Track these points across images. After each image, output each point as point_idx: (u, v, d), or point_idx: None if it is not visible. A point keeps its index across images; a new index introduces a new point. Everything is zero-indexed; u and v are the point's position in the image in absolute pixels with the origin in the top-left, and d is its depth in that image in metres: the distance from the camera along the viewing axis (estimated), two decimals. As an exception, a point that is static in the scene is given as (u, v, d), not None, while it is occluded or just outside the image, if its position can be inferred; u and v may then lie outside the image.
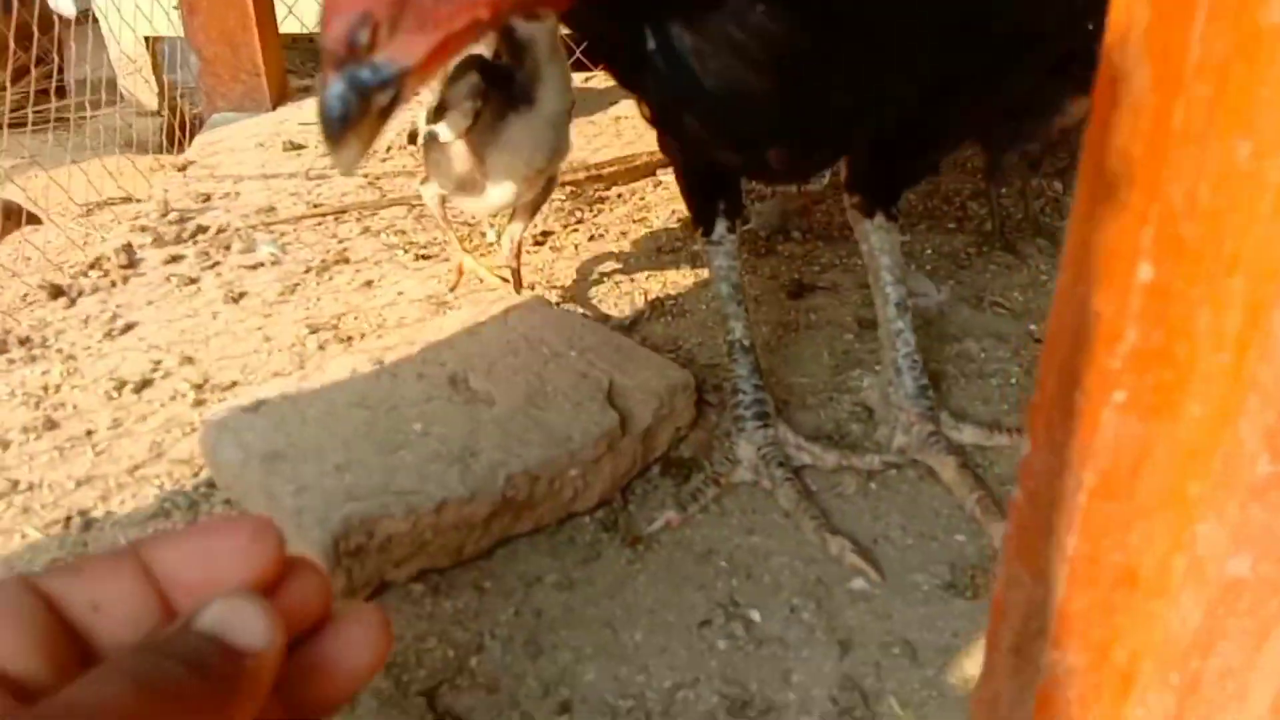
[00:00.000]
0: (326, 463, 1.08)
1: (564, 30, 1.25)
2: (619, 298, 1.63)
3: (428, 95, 1.37)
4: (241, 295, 1.65)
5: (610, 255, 1.79)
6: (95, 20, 4.14)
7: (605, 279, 1.70)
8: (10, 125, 3.62)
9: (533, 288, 1.64)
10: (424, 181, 1.54)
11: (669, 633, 1.02)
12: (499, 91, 1.28)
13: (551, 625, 1.04)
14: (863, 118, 0.84)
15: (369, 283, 1.68)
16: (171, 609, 0.49)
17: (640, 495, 1.20)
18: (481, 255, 1.79)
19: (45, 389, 1.42)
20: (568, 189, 2.06)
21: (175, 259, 1.78)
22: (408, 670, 0.99)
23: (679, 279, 1.68)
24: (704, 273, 1.70)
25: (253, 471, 1.09)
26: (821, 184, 2.07)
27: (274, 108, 2.46)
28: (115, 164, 3.21)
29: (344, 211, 1.94)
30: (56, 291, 1.66)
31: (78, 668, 0.46)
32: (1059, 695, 0.61)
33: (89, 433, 1.33)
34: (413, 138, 1.49)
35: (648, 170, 2.16)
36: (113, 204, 3.34)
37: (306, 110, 2.49)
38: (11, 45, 2.55)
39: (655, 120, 0.98)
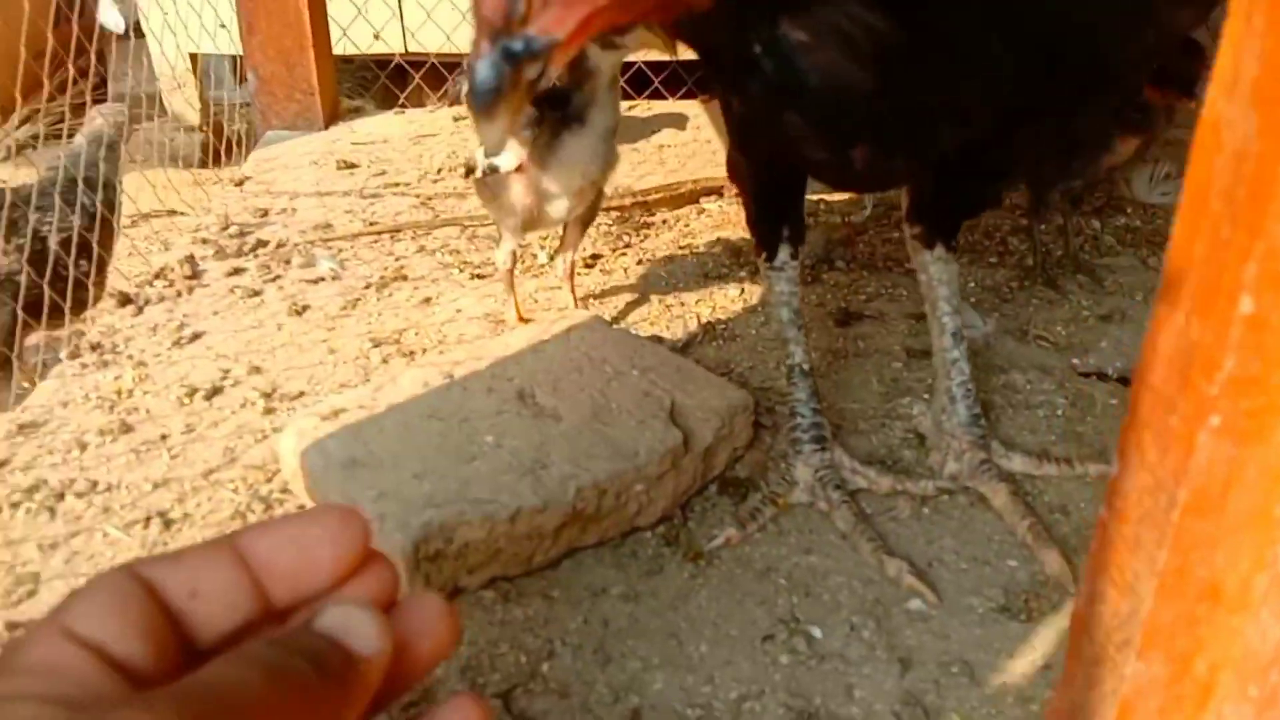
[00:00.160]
0: (405, 471, 1.12)
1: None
2: (670, 320, 1.67)
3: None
4: (304, 308, 1.70)
5: (659, 279, 1.83)
6: (140, 36, 4.24)
7: (656, 302, 1.74)
8: (53, 138, 3.71)
9: (587, 306, 1.69)
10: (500, 243, 1.59)
11: (733, 646, 1.06)
12: (552, 114, 1.37)
13: (619, 634, 1.07)
14: (945, 127, 0.89)
15: (427, 299, 1.73)
16: (265, 595, 0.52)
17: (699, 512, 1.24)
18: (535, 275, 1.84)
19: (118, 393, 1.47)
20: (614, 214, 2.11)
21: (237, 271, 1.83)
22: (482, 674, 1.03)
23: (728, 304, 1.73)
24: (752, 298, 1.74)
25: (333, 477, 1.13)
26: (864, 215, 2.12)
27: (326, 127, 2.52)
28: (161, 177, 3.30)
29: (399, 230, 2.00)
30: (124, 300, 1.71)
31: (177, 652, 0.49)
32: (1141, 705, 0.65)
33: (163, 437, 1.38)
34: (469, 171, 1.55)
35: (691, 197, 2.21)
36: (158, 216, 3.43)
37: (358, 130, 2.56)
38: (61, 57, 2.63)
39: (747, 123, 1.02)
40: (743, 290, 1.77)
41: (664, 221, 2.12)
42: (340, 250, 1.92)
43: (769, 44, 0.81)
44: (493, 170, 1.46)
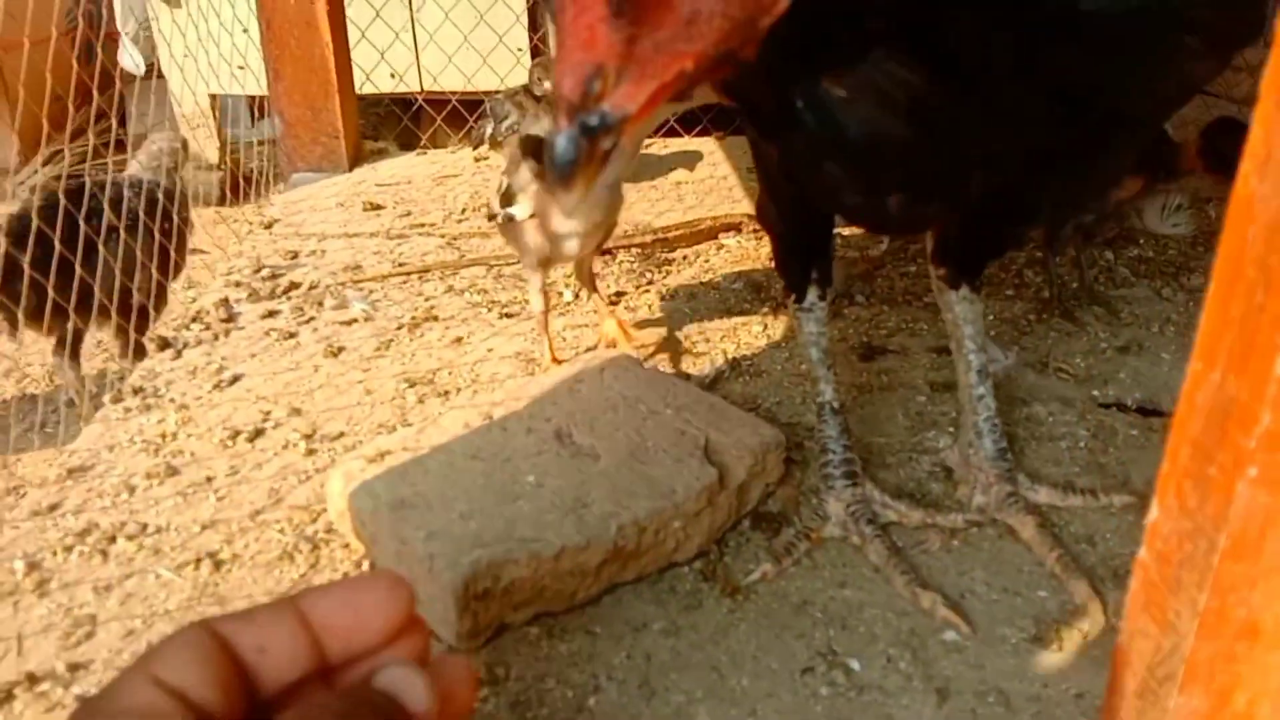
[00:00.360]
0: (452, 511, 1.15)
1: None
2: (696, 357, 1.71)
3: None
4: (340, 350, 1.74)
5: (683, 315, 1.87)
6: (159, 76, 4.32)
7: (681, 339, 1.78)
8: (73, 178, 3.77)
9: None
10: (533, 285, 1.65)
11: (773, 679, 1.09)
12: None
13: (662, 669, 1.10)
14: (976, 174, 0.93)
15: (459, 339, 1.77)
16: (322, 652, 0.58)
17: (734, 547, 1.27)
18: (562, 314, 1.88)
19: (163, 436, 1.51)
20: (635, 252, 2.16)
21: (272, 314, 1.88)
22: (530, 709, 1.06)
23: (752, 340, 1.77)
24: (775, 334, 1.78)
25: (383, 519, 1.16)
26: (881, 249, 2.16)
27: (350, 169, 2.57)
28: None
29: (428, 270, 2.04)
30: (164, 344, 1.75)
31: (244, 701, 0.56)
32: (1184, 736, 0.68)
33: (209, 479, 1.42)
34: (491, 217, 1.64)
35: (710, 234, 2.26)
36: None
37: (382, 171, 2.61)
38: (81, 98, 2.70)
39: (785, 170, 1.07)
40: (766, 326, 1.81)
41: (684, 258, 2.16)
42: (371, 291, 1.96)
43: (810, 99, 0.85)
44: (509, 219, 1.56)
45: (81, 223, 2.13)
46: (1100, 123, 0.91)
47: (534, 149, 1.50)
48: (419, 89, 3.39)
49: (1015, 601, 1.19)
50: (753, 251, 2.17)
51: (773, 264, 1.96)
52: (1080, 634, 1.14)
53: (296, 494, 1.38)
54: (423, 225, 2.30)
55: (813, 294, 1.31)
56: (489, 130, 2.28)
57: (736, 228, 2.26)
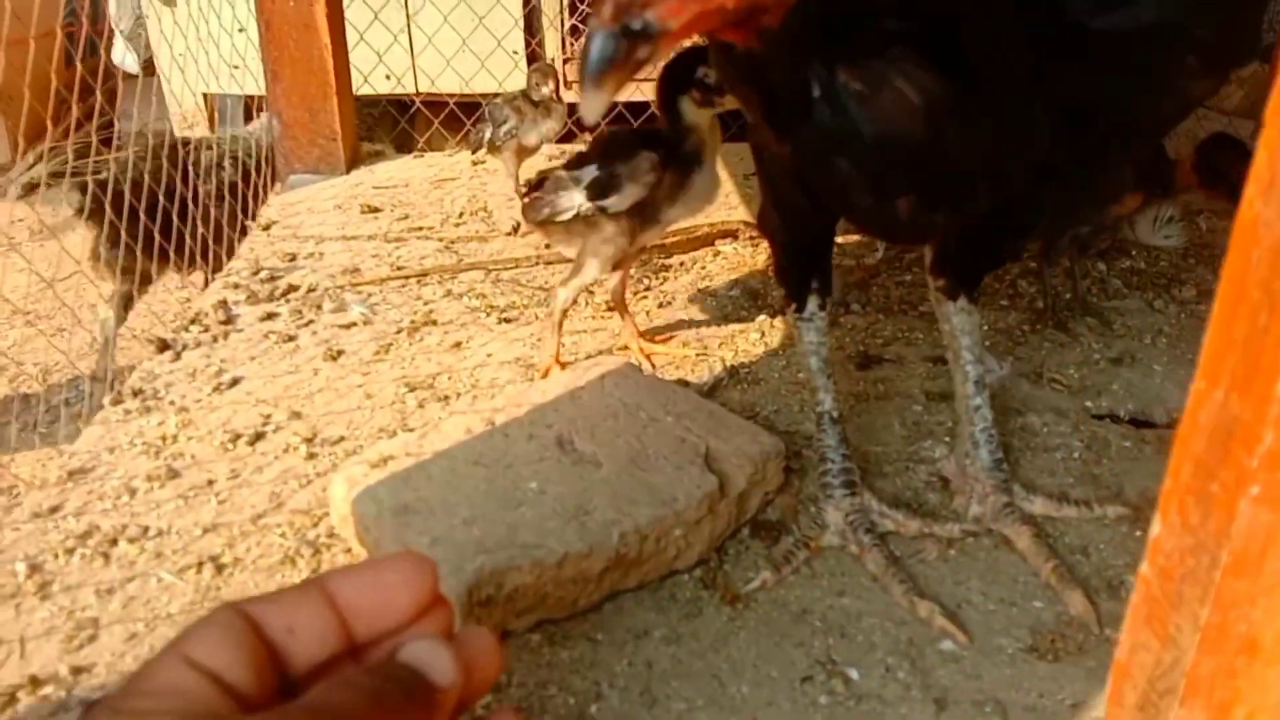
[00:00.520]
0: (455, 517, 1.16)
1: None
2: (695, 364, 1.72)
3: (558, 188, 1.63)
4: (339, 353, 1.74)
5: (681, 322, 1.89)
6: (152, 74, 4.31)
7: (679, 345, 1.79)
8: (68, 175, 3.76)
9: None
10: (564, 283, 1.69)
11: (773, 687, 1.10)
12: (673, 159, 1.58)
13: (663, 676, 1.11)
14: (985, 183, 0.94)
15: (458, 344, 1.78)
16: (349, 631, 0.60)
17: (734, 555, 1.28)
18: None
19: (163, 439, 1.51)
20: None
21: (270, 316, 1.88)
22: (533, 715, 1.06)
23: (750, 347, 1.78)
24: (773, 341, 1.79)
25: (386, 524, 1.17)
26: (877, 258, 2.18)
27: (348, 171, 2.58)
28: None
29: (426, 274, 2.05)
30: (163, 345, 1.75)
31: (275, 680, 0.57)
32: (1184, 748, 0.69)
33: (210, 482, 1.42)
34: (516, 228, 1.67)
35: (707, 240, 2.27)
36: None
37: (379, 174, 2.62)
38: (77, 94, 2.71)
39: (792, 170, 1.08)
40: (763, 334, 1.82)
41: (681, 264, 2.17)
42: (369, 295, 1.97)
43: (826, 90, 0.87)
44: (600, 210, 1.58)
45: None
46: (1101, 137, 0.93)
47: (652, 141, 1.59)
48: (414, 90, 3.39)
49: (1011, 611, 1.20)
50: (749, 259, 2.19)
51: (771, 272, 1.98)
52: (1076, 644, 1.15)
53: (298, 498, 1.38)
54: (420, 228, 2.30)
55: (813, 303, 1.33)
56: (487, 134, 2.28)
57: (733, 234, 2.27)
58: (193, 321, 1.85)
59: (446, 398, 1.61)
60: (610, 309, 1.94)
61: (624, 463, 1.27)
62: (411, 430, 1.52)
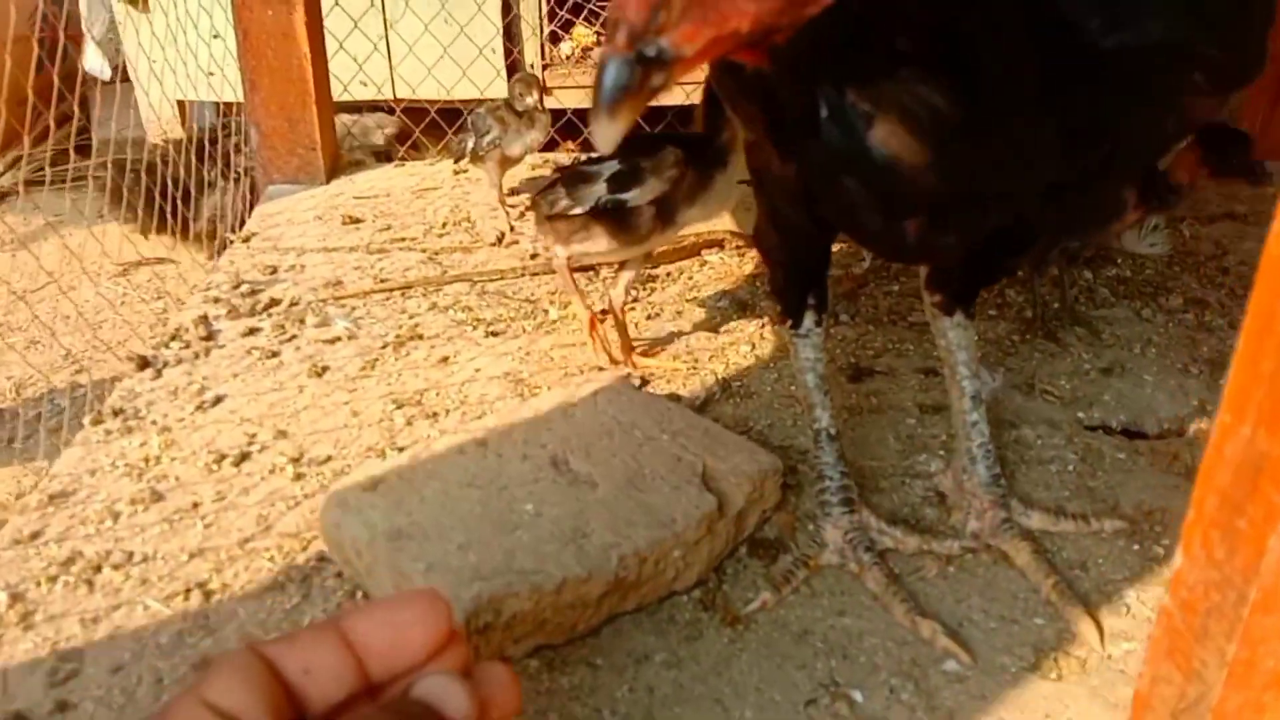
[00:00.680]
0: (450, 542, 1.14)
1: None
2: (686, 377, 1.70)
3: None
4: (324, 369, 1.71)
5: (670, 335, 1.87)
6: (125, 81, 4.25)
7: (668, 358, 1.77)
8: (35, 183, 3.70)
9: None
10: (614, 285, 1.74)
11: (777, 711, 1.08)
12: (697, 157, 1.60)
13: (665, 702, 1.09)
14: (994, 204, 0.93)
15: (445, 359, 1.76)
16: (365, 671, 0.60)
17: (732, 575, 1.27)
18: (548, 332, 1.87)
19: (146, 460, 1.48)
20: (617, 268, 2.15)
21: (252, 331, 1.85)
22: (534, 744, 1.05)
23: (741, 360, 1.76)
24: (764, 354, 1.78)
25: (380, 549, 1.15)
26: (864, 267, 2.17)
27: (328, 181, 2.54)
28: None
29: (410, 287, 2.02)
30: (143, 363, 1.72)
31: None
32: (1210, 784, 0.68)
33: (195, 505, 1.39)
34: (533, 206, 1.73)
35: (693, 250, 2.25)
36: (147, 264, 3.43)
37: (359, 183, 2.59)
38: (43, 101, 2.69)
39: (795, 190, 1.06)
40: (754, 346, 1.81)
41: (668, 274, 2.15)
42: (353, 309, 1.94)
43: (835, 109, 0.86)
44: (614, 204, 1.60)
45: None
46: (1106, 155, 0.92)
47: (674, 142, 1.61)
48: (392, 97, 3.36)
49: (1013, 629, 1.19)
50: (736, 268, 2.17)
51: (766, 287, 1.97)
52: (1079, 663, 1.15)
53: (286, 521, 1.36)
54: (403, 240, 2.28)
55: (809, 319, 1.31)
56: (470, 144, 2.26)
57: (719, 244, 2.26)
58: (173, 337, 1.82)
59: (435, 415, 1.59)
60: (600, 321, 1.92)
61: (620, 483, 1.25)
62: (400, 449, 1.50)
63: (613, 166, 1.61)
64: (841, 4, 0.66)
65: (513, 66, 3.50)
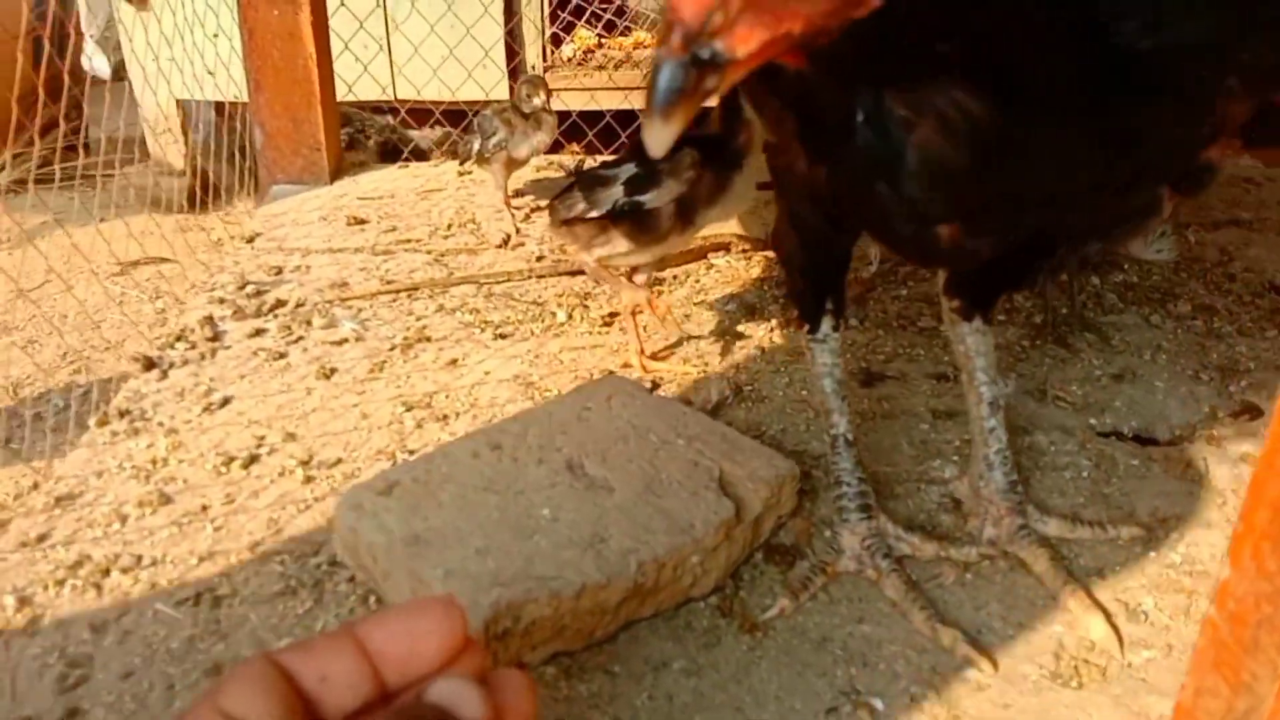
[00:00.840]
0: (468, 547, 1.13)
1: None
2: (697, 380, 1.69)
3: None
4: (332, 371, 1.70)
5: (680, 338, 1.86)
6: (124, 79, 4.22)
7: (678, 361, 1.76)
8: (34, 181, 3.67)
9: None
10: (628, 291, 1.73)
11: (798, 719, 1.07)
12: (713, 158, 1.59)
13: (685, 710, 1.08)
14: (1030, 211, 0.93)
15: (454, 361, 1.74)
16: (381, 679, 0.59)
17: (749, 581, 1.26)
18: (556, 335, 1.85)
19: (153, 462, 1.46)
20: (625, 271, 2.14)
21: (259, 332, 1.83)
22: (553, 753, 1.03)
23: (752, 364, 1.75)
24: (775, 358, 1.77)
25: (397, 555, 1.13)
26: (871, 271, 2.16)
27: (331, 181, 2.53)
28: (147, 223, 3.28)
29: (417, 288, 2.01)
30: (149, 363, 1.70)
31: None
32: (1257, 797, 0.67)
33: (204, 508, 1.37)
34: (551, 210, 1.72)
35: (700, 253, 2.24)
36: (148, 263, 3.40)
37: (364, 184, 2.57)
38: (40, 99, 2.65)
39: (824, 194, 1.06)
40: (763, 350, 1.80)
41: (675, 278, 2.14)
42: (360, 310, 1.92)
43: (872, 113, 0.85)
44: (633, 207, 1.59)
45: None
46: (1142, 161, 0.91)
47: (690, 142, 1.59)
48: (394, 98, 3.35)
49: (1032, 637, 1.19)
50: (742, 272, 2.16)
51: (783, 290, 1.96)
52: (1100, 671, 1.14)
53: (297, 524, 1.34)
54: (408, 241, 2.26)
55: (827, 324, 1.30)
56: (476, 146, 2.25)
57: (725, 247, 2.25)
58: (178, 338, 1.80)
59: (445, 417, 1.58)
60: (606, 323, 1.91)
61: (638, 488, 1.24)
62: (411, 452, 1.49)
63: (629, 169, 1.60)
64: (889, 6, 0.65)
65: (515, 70, 3.49)
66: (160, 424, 1.56)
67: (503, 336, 1.84)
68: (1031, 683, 1.12)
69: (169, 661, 1.14)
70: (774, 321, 1.91)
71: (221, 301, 1.95)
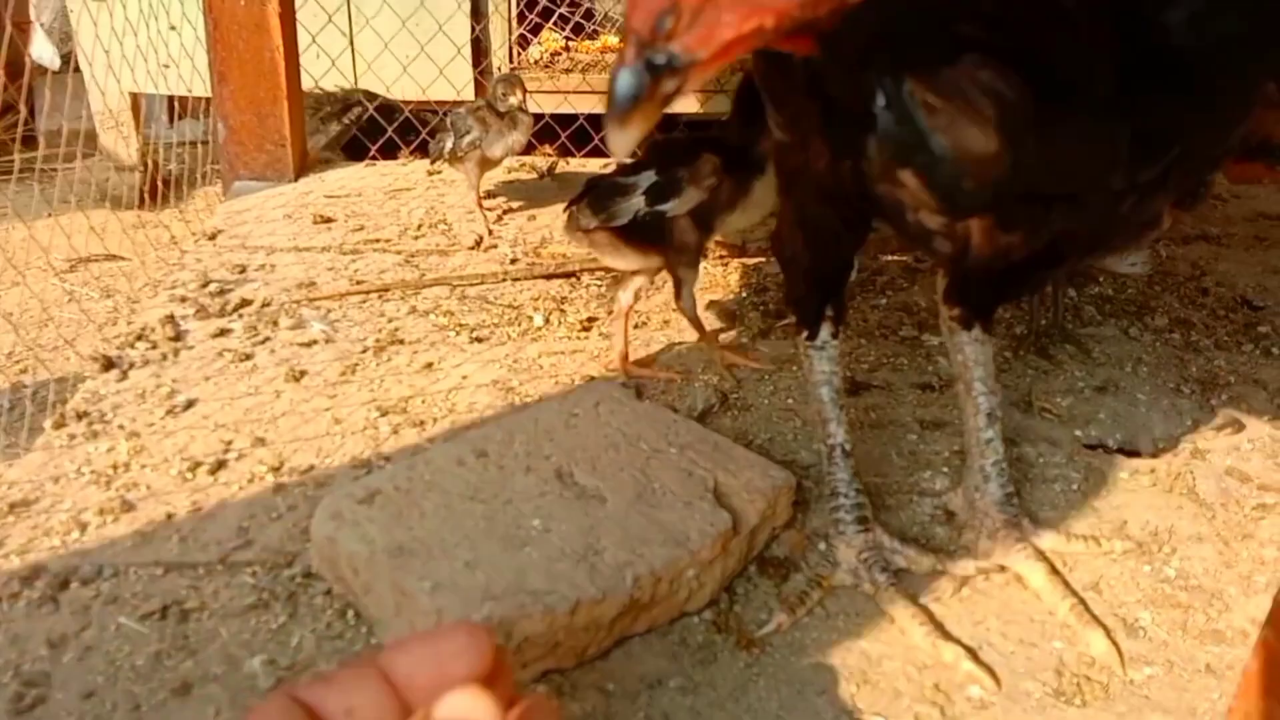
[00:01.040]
0: (457, 559, 1.08)
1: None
2: (681, 387, 1.65)
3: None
4: (302, 374, 1.63)
5: (659, 343, 1.82)
6: (74, 71, 4.09)
7: (664, 369, 1.72)
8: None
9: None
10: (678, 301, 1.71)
11: (800, 739, 1.04)
12: (735, 164, 1.58)
13: (682, 730, 1.04)
14: (1059, 207, 0.89)
15: (429, 365, 1.69)
16: (407, 708, 0.56)
17: (743, 595, 1.22)
18: (534, 340, 1.80)
19: (114, 467, 1.39)
20: (601, 276, 2.09)
21: (223, 332, 1.76)
22: (547, 775, 0.98)
23: (736, 371, 1.71)
24: (764, 368, 1.73)
25: (381, 566, 1.08)
26: (850, 279, 2.14)
27: (296, 178, 2.45)
28: (99, 218, 3.17)
29: (388, 289, 1.95)
30: (107, 363, 1.62)
31: None
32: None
33: (169, 516, 1.31)
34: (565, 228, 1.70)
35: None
36: (96, 260, 3.29)
37: (330, 182, 2.50)
38: None
39: (834, 190, 1.02)
40: (747, 357, 1.76)
41: (652, 284, 2.10)
42: (329, 310, 1.86)
43: (892, 99, 0.82)
44: (653, 216, 1.57)
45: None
46: (1168, 166, 0.89)
47: (711, 146, 1.59)
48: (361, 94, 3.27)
49: (1033, 653, 1.16)
50: (720, 278, 2.13)
51: (784, 297, 1.93)
52: (1102, 688, 1.12)
53: (268, 534, 1.28)
54: (377, 241, 2.20)
55: (826, 331, 1.27)
56: (448, 145, 2.19)
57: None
58: (138, 337, 1.72)
59: (422, 423, 1.52)
60: (585, 328, 1.86)
61: (630, 498, 1.20)
62: (387, 458, 1.43)
63: (649, 177, 1.58)
64: None
65: (483, 72, 3.43)
66: (121, 426, 1.48)
67: (479, 340, 1.78)
68: (1035, 701, 1.10)
69: (134, 680, 1.07)
70: (755, 329, 1.88)
71: (183, 300, 1.87)
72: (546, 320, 1.87)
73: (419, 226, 2.28)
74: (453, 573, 1.06)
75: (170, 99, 4.11)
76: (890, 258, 2.20)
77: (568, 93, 3.26)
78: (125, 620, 1.14)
